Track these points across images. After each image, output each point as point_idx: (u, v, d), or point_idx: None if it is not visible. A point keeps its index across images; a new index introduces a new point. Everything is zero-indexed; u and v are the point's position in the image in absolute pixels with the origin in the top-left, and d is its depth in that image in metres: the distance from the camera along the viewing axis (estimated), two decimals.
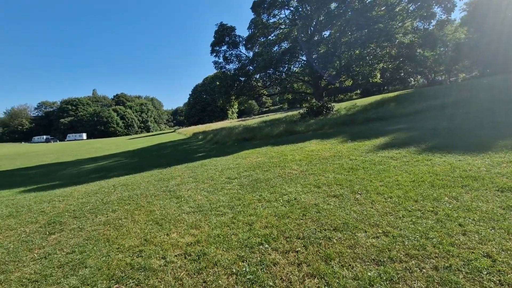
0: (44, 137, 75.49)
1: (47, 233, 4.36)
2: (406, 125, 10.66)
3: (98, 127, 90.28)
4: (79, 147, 37.53)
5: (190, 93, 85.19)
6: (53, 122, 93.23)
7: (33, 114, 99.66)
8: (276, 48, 23.58)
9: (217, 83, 34.33)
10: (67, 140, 76.61)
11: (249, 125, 23.85)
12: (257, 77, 25.44)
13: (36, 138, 75.64)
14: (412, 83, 55.51)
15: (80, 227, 4.47)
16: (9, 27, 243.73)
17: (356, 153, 7.36)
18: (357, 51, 20.79)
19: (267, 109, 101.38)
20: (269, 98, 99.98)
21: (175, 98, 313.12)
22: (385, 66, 23.25)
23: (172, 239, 3.59)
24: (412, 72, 50.15)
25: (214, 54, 25.74)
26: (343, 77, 22.75)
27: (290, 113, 34.65)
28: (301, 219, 3.71)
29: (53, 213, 5.47)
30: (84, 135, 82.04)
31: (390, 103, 19.08)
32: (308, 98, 38.17)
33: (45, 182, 10.22)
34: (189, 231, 3.76)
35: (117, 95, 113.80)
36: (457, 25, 41.85)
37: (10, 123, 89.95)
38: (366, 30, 16.59)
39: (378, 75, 23.26)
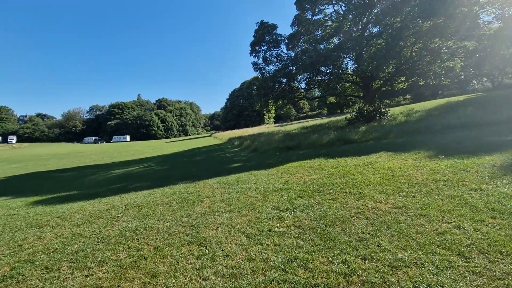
0: (93, 138, 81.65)
1: None
2: None
3: (140, 130, 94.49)
4: (120, 149, 38.38)
5: (227, 97, 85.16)
6: (101, 125, 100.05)
7: (85, 116, 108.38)
8: (323, 45, 21.02)
9: (254, 87, 32.65)
10: (113, 142, 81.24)
11: (289, 131, 21.56)
12: (299, 78, 23.09)
13: (86, 139, 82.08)
14: (476, 86, 48.07)
15: None
16: (67, 35, 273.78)
17: (470, 177, 4.77)
18: (419, 45, 17.42)
19: (304, 114, 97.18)
20: (307, 103, 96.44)
21: (213, 102, 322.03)
22: (451, 65, 19.28)
23: None
24: (476, 74, 43.49)
25: (254, 54, 23.95)
26: (403, 78, 19.35)
27: (333, 118, 31.57)
28: None
29: (28, 251, 3.84)
30: (128, 137, 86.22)
31: (467, 108, 15.43)
32: (351, 103, 34.71)
33: (65, 190, 9.08)
34: None
35: (159, 99, 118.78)
36: None
37: (66, 124, 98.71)
38: (442, 18, 13.32)
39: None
